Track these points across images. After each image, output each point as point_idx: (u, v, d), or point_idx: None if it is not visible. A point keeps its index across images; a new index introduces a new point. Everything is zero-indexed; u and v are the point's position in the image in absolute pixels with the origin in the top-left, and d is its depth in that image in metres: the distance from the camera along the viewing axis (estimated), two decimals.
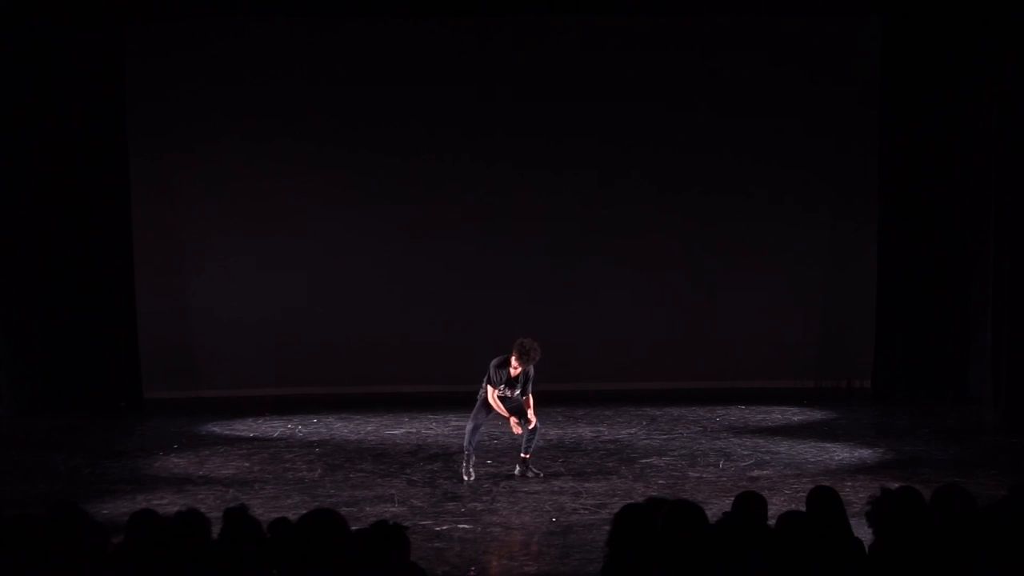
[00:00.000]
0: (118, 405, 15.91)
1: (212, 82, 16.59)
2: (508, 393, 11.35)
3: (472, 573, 8.60)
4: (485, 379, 11.44)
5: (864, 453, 12.59)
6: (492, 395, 11.33)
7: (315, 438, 13.73)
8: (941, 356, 16.00)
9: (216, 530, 5.92)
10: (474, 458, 11.57)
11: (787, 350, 16.81)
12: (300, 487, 11.23)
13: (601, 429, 14.07)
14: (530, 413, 11.35)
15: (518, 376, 11.30)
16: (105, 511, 9.84)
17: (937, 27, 15.49)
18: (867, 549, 5.96)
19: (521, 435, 11.47)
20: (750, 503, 6.35)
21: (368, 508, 10.37)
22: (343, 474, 11.84)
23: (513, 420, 11.35)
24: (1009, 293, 14.15)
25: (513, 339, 16.44)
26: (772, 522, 6.00)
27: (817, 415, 14.85)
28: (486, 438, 12.54)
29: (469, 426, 11.61)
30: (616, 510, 5.97)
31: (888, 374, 16.26)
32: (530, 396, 11.40)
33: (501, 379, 11.32)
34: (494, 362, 11.37)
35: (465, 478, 11.40)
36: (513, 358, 11.24)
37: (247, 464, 12.34)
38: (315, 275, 16.79)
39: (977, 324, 15.58)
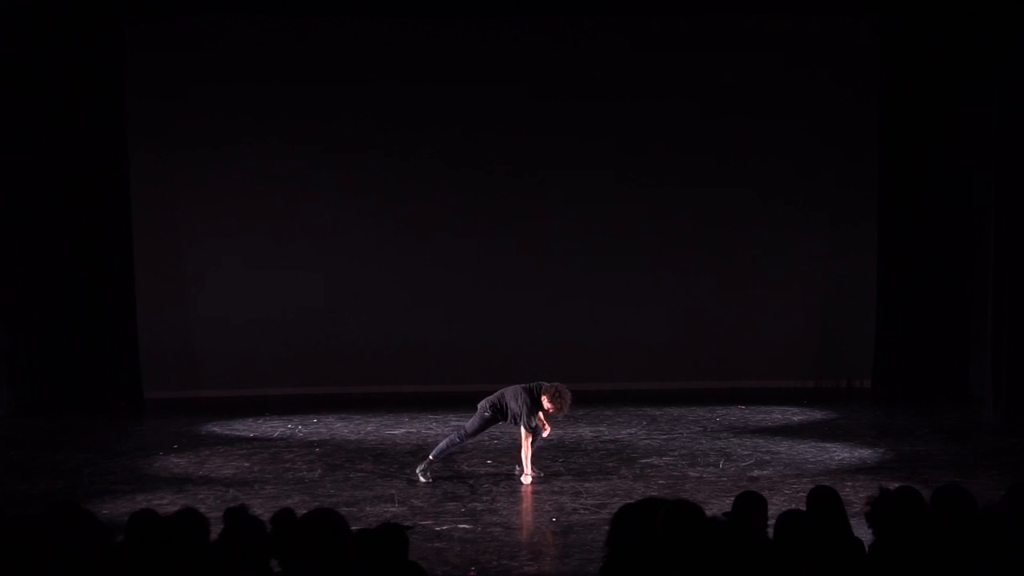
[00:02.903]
0: (118, 405, 15.92)
1: (212, 82, 16.60)
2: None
3: (472, 573, 8.60)
4: (512, 419, 11.20)
5: (864, 453, 12.59)
6: (528, 445, 11.20)
7: (315, 438, 13.73)
8: (941, 356, 16.00)
9: (216, 530, 5.93)
10: (437, 466, 11.50)
11: (787, 350, 16.83)
12: (300, 487, 11.22)
13: (601, 429, 14.07)
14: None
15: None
16: (105, 511, 9.83)
17: (937, 27, 15.50)
18: (867, 549, 5.96)
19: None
20: (750, 503, 6.35)
21: (368, 508, 10.37)
22: (343, 474, 11.84)
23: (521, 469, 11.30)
24: (1009, 293, 14.15)
25: (513, 340, 16.69)
26: (772, 522, 5.99)
27: (817, 415, 14.85)
28: (486, 438, 12.53)
29: (454, 438, 11.50)
30: (616, 510, 5.98)
31: (888, 374, 16.27)
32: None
33: (534, 421, 11.19)
34: (526, 409, 11.09)
35: (423, 480, 11.31)
36: (546, 402, 11.07)
37: (247, 464, 12.33)
38: (315, 275, 16.79)
39: (977, 324, 15.58)
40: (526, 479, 11.20)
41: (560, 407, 11.07)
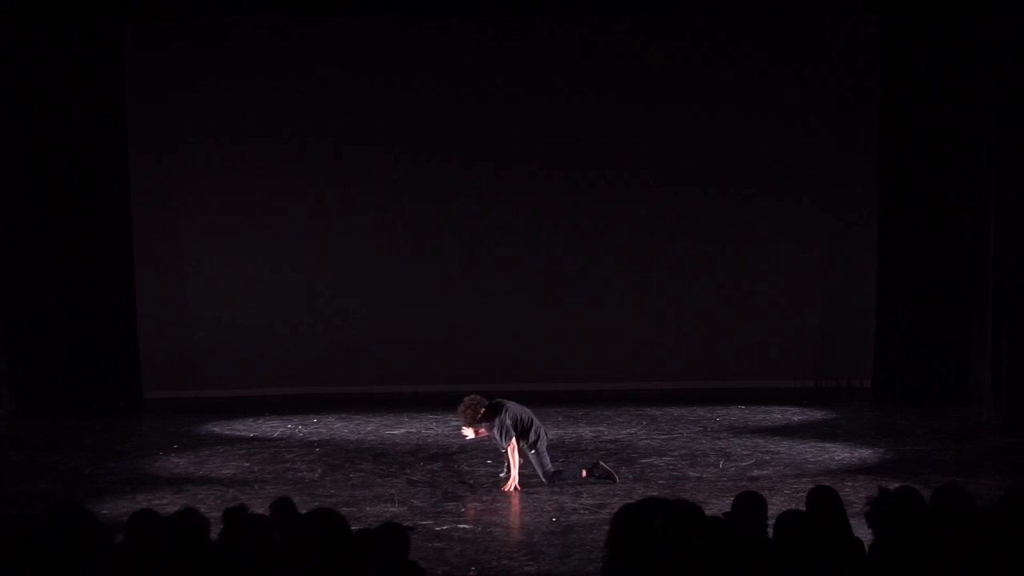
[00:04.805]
0: (118, 405, 15.92)
1: (212, 82, 16.60)
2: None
3: (472, 573, 8.60)
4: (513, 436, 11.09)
5: (864, 453, 12.58)
6: (515, 457, 11.09)
7: (315, 438, 13.73)
8: (941, 356, 15.99)
9: (216, 530, 5.92)
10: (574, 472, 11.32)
11: (787, 350, 16.82)
12: (300, 487, 11.22)
13: (601, 429, 14.07)
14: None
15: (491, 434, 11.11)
16: (105, 511, 9.83)
17: (937, 26, 15.49)
18: (867, 549, 5.96)
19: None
20: (750, 503, 6.35)
21: (368, 508, 10.37)
22: (343, 474, 11.84)
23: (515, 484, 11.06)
24: (1009, 293, 14.15)
25: (513, 340, 16.71)
26: (772, 522, 5.99)
27: (817, 415, 14.85)
28: (486, 439, 12.52)
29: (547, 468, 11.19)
30: (616, 510, 5.98)
31: (888, 374, 16.27)
32: (507, 453, 11.08)
33: (503, 439, 11.06)
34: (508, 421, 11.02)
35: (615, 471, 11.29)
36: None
37: (247, 464, 12.34)
38: (315, 275, 16.80)
39: (977, 324, 15.58)
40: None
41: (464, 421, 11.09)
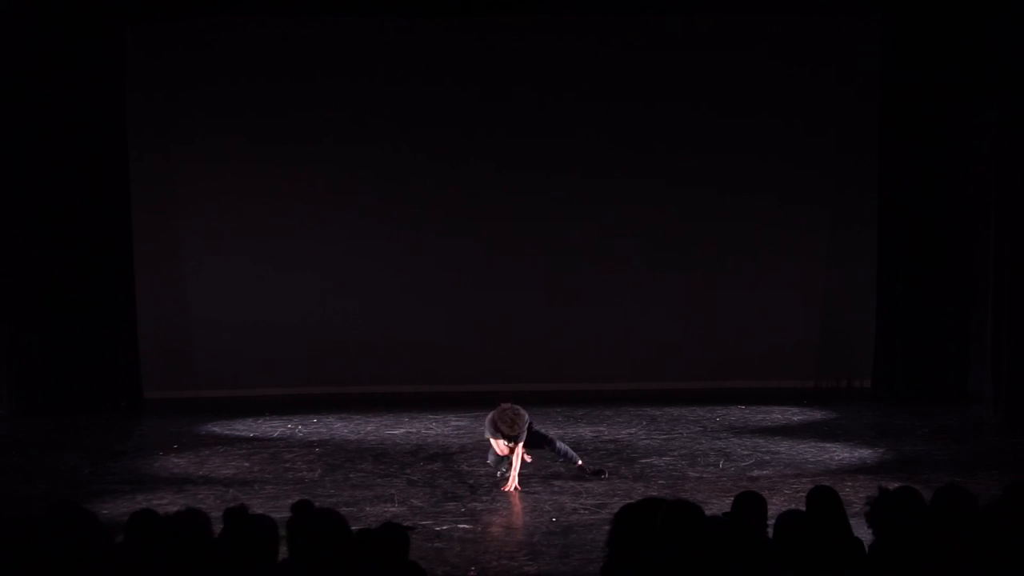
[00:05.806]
0: (118, 405, 15.92)
1: (212, 82, 16.60)
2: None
3: (472, 573, 8.61)
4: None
5: (864, 453, 12.59)
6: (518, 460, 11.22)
7: (315, 438, 13.73)
8: (941, 356, 16.00)
9: (216, 531, 5.92)
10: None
11: (787, 350, 16.82)
12: (300, 487, 11.22)
13: (601, 429, 14.07)
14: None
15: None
16: (105, 511, 9.82)
17: (938, 26, 15.49)
18: (867, 549, 5.96)
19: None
20: (750, 503, 6.35)
21: (368, 508, 10.37)
22: (343, 474, 11.84)
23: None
24: (1009, 293, 14.15)
25: (513, 340, 16.70)
26: (772, 522, 5.99)
27: (817, 415, 14.85)
28: (483, 441, 12.51)
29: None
30: (616, 510, 5.98)
31: (888, 374, 16.26)
32: (515, 453, 11.16)
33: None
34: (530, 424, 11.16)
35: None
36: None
37: (247, 464, 12.34)
38: (315, 275, 16.80)
39: (977, 324, 15.58)
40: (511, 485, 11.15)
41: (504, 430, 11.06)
